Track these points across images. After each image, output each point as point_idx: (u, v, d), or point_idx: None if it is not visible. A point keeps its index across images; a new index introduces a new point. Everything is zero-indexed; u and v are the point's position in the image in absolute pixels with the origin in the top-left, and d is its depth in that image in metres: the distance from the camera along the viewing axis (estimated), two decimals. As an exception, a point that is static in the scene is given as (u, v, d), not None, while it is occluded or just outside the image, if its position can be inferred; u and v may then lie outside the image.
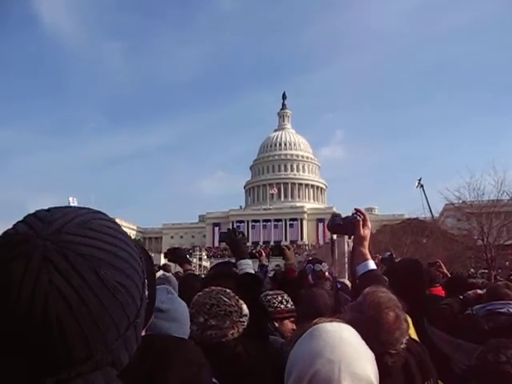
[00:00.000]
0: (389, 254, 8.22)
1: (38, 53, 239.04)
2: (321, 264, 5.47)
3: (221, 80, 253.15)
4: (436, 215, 61.74)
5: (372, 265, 3.19)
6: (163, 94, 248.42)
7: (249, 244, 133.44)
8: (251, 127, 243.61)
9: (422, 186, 68.12)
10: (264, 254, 7.69)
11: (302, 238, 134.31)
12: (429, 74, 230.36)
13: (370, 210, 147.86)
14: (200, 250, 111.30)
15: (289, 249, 6.54)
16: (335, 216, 3.37)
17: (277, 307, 4.27)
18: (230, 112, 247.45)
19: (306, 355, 1.54)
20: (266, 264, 7.71)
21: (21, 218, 0.94)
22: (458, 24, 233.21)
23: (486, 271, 34.89)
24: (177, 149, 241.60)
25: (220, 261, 7.43)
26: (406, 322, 2.13)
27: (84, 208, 0.98)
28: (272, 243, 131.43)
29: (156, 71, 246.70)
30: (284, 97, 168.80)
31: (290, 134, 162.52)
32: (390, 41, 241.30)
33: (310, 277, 5.28)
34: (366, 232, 3.25)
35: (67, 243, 0.86)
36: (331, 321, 1.65)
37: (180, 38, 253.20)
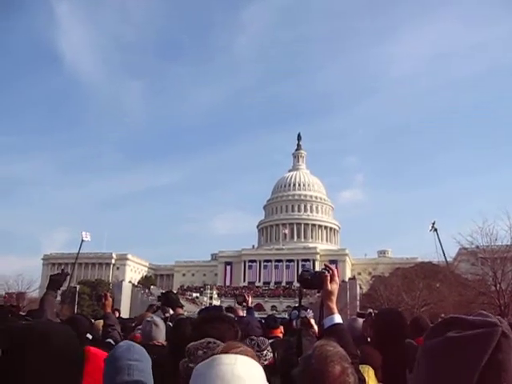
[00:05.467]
0: (369, 311, 8.29)
1: (59, 89, 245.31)
2: (306, 311, 5.50)
3: (236, 120, 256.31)
4: (449, 259, 61.10)
5: (338, 319, 3.25)
6: (179, 133, 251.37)
7: (260, 284, 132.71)
8: (266, 167, 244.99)
9: (435, 229, 67.72)
10: (248, 299, 7.72)
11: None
12: (448, 121, 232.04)
13: (383, 252, 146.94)
14: (211, 289, 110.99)
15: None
16: (305, 271, 3.47)
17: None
18: (244, 152, 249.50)
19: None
20: (251, 306, 7.83)
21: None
22: (474, 72, 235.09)
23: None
24: (191, 187, 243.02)
25: (212, 305, 7.51)
26: (354, 375, 2.16)
27: None
28: (284, 284, 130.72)
29: (172, 111, 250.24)
30: (299, 138, 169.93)
31: (304, 175, 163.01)
32: (408, 85, 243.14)
33: (294, 323, 5.31)
34: (334, 287, 3.33)
35: None
36: (236, 350, 1.75)
37: (198, 80, 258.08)
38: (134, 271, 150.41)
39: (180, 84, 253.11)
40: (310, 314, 5.52)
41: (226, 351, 1.75)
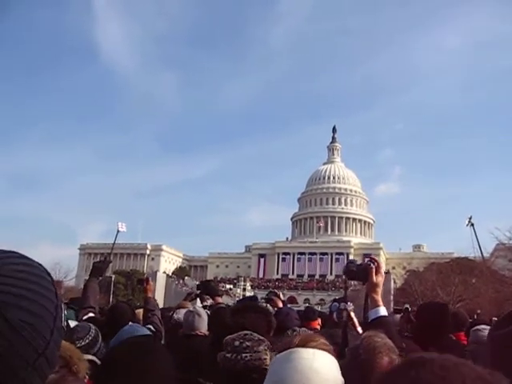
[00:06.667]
0: (406, 307, 8.27)
1: (95, 79, 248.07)
2: (347, 303, 5.50)
3: (271, 112, 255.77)
4: (486, 255, 60.06)
5: (383, 311, 3.28)
6: (214, 125, 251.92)
7: (293, 277, 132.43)
8: (301, 160, 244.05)
9: (472, 224, 66.61)
10: (279, 300, 7.48)
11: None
12: (489, 110, 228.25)
13: (418, 247, 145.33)
14: (244, 281, 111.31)
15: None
16: (350, 262, 3.50)
17: None
18: (279, 144, 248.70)
19: (277, 377, 1.71)
20: (284, 300, 7.73)
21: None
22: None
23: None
24: (225, 179, 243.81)
25: (249, 295, 7.44)
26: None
27: (4, 252, 1.10)
28: (317, 277, 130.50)
29: (208, 102, 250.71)
30: (334, 130, 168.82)
31: (338, 168, 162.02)
32: (450, 78, 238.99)
33: (334, 315, 5.32)
34: (379, 279, 3.36)
35: None
36: (312, 344, 1.79)
37: (232, 71, 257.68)
38: (169, 262, 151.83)
39: (215, 75, 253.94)
40: (350, 306, 5.53)
41: (303, 344, 1.78)
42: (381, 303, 3.29)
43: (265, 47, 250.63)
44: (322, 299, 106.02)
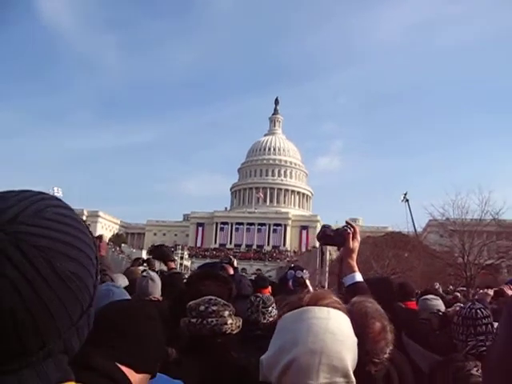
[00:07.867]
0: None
1: (31, 37, 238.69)
2: (302, 271, 5.51)
3: (215, 81, 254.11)
4: (419, 230, 62.03)
5: (359, 277, 3.24)
6: (154, 91, 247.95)
7: (231, 246, 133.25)
8: (243, 130, 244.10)
9: (407, 200, 68.53)
10: (231, 267, 7.07)
11: (284, 244, 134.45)
12: (427, 91, 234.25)
13: (354, 220, 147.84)
14: (182, 249, 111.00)
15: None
16: (326, 227, 3.40)
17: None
18: (222, 114, 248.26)
19: (289, 338, 1.56)
20: (237, 267, 7.71)
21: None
22: (459, 43, 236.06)
23: (465, 289, 34.97)
24: (166, 147, 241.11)
25: (208, 262, 7.33)
26: (392, 332, 2.16)
27: (38, 194, 0.94)
28: (255, 247, 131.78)
29: (148, 69, 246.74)
30: (276, 102, 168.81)
31: (279, 140, 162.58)
32: (391, 54, 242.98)
33: (290, 283, 5.32)
34: (356, 245, 3.30)
35: (21, 234, 0.84)
36: (324, 302, 1.64)
37: (174, 37, 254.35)
38: (105, 229, 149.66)
39: (156, 41, 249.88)
40: (306, 274, 5.54)
41: (314, 302, 1.63)
42: (356, 269, 3.24)
43: (209, 13, 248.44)
44: (258, 269, 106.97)
